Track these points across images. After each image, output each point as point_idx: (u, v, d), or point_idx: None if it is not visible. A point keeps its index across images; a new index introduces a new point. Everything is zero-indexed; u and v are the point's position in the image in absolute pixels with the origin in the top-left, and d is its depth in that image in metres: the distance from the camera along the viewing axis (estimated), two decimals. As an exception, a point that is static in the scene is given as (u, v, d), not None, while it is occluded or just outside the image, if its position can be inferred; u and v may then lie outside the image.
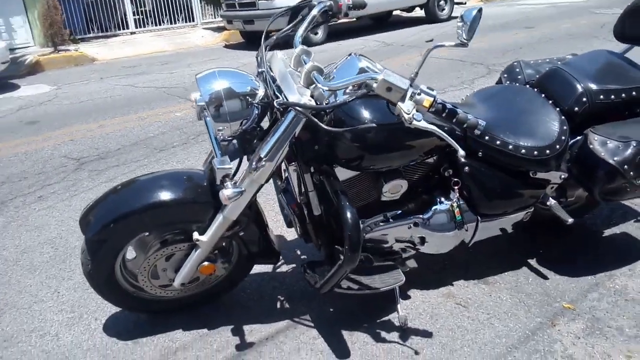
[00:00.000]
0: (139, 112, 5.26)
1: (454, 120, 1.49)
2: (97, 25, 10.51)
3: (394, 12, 11.28)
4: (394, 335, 1.98)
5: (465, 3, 11.83)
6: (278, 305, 2.20)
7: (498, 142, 1.97)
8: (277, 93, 1.68)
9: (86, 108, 5.56)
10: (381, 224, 2.00)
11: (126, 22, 10.86)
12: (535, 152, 1.97)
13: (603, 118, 2.09)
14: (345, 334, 2.00)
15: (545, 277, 2.27)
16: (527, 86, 2.26)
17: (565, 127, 2.03)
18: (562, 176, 2.12)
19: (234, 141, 1.79)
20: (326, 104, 1.66)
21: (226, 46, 9.84)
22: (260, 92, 1.71)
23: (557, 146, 1.99)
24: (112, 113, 5.31)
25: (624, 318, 2.01)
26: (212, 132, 1.71)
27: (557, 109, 2.09)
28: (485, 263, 2.40)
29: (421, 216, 2.01)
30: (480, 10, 1.49)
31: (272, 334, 2.03)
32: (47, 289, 2.40)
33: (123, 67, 8.11)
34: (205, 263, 1.89)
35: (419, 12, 10.82)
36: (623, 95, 2.05)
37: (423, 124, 1.44)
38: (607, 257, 2.39)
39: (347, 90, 1.68)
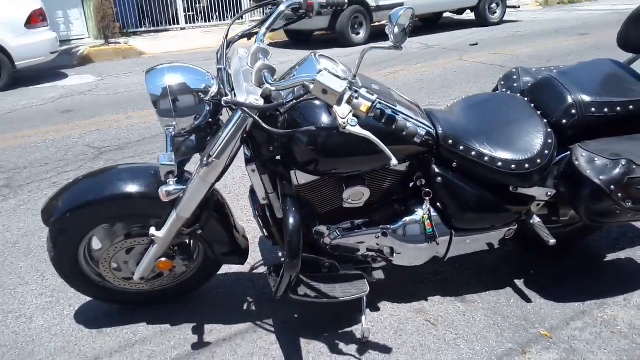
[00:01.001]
0: (167, 106, 5.38)
1: (394, 126, 1.40)
2: (150, 20, 10.88)
3: (445, 15, 11.02)
4: (352, 348, 1.91)
5: (519, 7, 11.37)
6: (245, 307, 2.17)
7: (473, 153, 1.85)
8: (228, 91, 1.65)
9: (120, 99, 5.75)
10: (347, 231, 1.93)
11: (177, 17, 11.17)
12: (513, 166, 1.84)
13: (598, 133, 1.93)
14: (304, 342, 1.95)
15: (528, 300, 2.12)
16: (519, 95, 2.11)
17: (550, 141, 1.88)
18: (549, 193, 1.98)
19: (192, 137, 1.78)
20: (281, 105, 1.63)
21: (271, 44, 9.90)
22: (214, 89, 1.68)
23: (539, 160, 1.85)
24: (142, 105, 5.45)
25: (604, 352, 1.84)
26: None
27: (545, 120, 1.94)
28: (468, 280, 2.27)
29: (390, 226, 1.93)
30: (409, 9, 1.38)
31: (231, 335, 2.00)
32: (35, 273, 2.49)
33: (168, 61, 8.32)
34: (163, 259, 1.89)
35: (470, 15, 10.50)
36: (618, 108, 1.88)
37: (357, 130, 1.37)
38: (603, 284, 2.20)
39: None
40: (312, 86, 1.39)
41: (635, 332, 1.92)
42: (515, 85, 2.21)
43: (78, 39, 9.79)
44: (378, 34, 9.40)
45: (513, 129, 1.92)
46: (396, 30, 1.36)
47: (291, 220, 1.60)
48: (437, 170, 1.89)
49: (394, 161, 1.40)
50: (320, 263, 1.99)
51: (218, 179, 1.72)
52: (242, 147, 1.79)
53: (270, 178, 1.80)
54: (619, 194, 1.78)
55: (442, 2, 9.68)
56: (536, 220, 2.01)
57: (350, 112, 1.37)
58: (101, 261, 1.93)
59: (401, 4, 9.02)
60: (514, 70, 2.28)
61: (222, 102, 1.56)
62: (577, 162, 1.83)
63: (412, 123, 1.76)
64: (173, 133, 1.68)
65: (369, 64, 7.01)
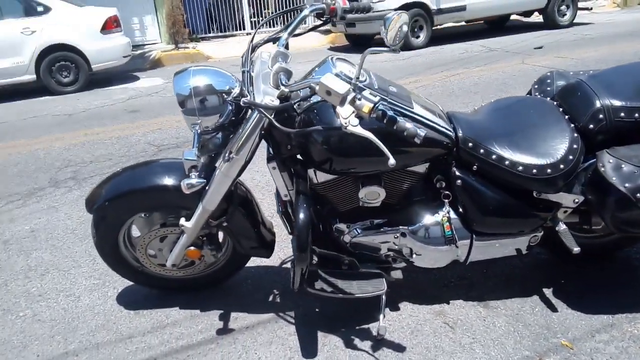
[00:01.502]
0: (224, 107, 5.63)
1: (395, 127, 1.44)
2: (217, 25, 11.35)
3: (513, 17, 10.69)
4: (366, 344, 1.95)
5: (591, 9, 10.80)
6: (270, 299, 2.27)
7: (494, 157, 1.85)
8: (248, 92, 1.75)
9: (183, 101, 6.06)
10: (367, 230, 1.97)
11: (243, 23, 11.57)
12: (535, 171, 1.82)
13: (630, 139, 1.85)
14: (321, 335, 2.01)
15: (554, 309, 2.07)
16: (548, 99, 2.07)
17: (575, 146, 1.84)
18: (576, 200, 1.92)
19: (219, 135, 1.89)
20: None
21: (331, 48, 10.06)
22: (236, 90, 1.78)
23: (562, 166, 1.81)
24: (202, 106, 5.73)
25: (628, 367, 1.77)
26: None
27: (572, 125, 1.90)
28: (494, 286, 2.25)
29: (409, 227, 1.96)
30: (402, 13, 1.41)
31: (254, 324, 2.10)
32: (87, 257, 2.72)
33: (230, 65, 8.56)
34: (192, 248, 2.03)
35: (539, 18, 10.11)
36: (650, 114, 1.80)
37: (358, 130, 1.42)
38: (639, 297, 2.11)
39: None
40: (317, 87, 1.46)
41: (666, 348, 1.83)
42: (548, 89, 2.16)
43: (152, 44, 10.40)
44: (440, 37, 9.31)
45: (537, 133, 1.89)
46: (389, 34, 1.40)
47: (301, 216, 1.68)
48: (457, 172, 1.90)
49: (392, 161, 1.44)
50: (340, 260, 2.04)
51: (239, 174, 1.83)
52: (266, 146, 1.90)
53: (290, 175, 1.88)
54: (647, 203, 1.71)
55: (508, 4, 9.39)
56: (562, 227, 1.96)
57: (353, 112, 1.43)
58: (138, 247, 2.10)
59: (463, 7, 8.89)
60: (548, 73, 2.23)
61: (241, 103, 1.66)
62: (602, 169, 1.78)
63: (430, 126, 1.79)
64: (199, 131, 1.80)
65: (425, 67, 6.99)
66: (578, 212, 2.05)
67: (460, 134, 1.87)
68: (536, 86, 2.24)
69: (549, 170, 1.81)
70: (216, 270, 2.24)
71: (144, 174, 2.02)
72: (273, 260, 2.48)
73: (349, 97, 1.42)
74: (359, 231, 1.97)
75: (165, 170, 2.01)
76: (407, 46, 8.52)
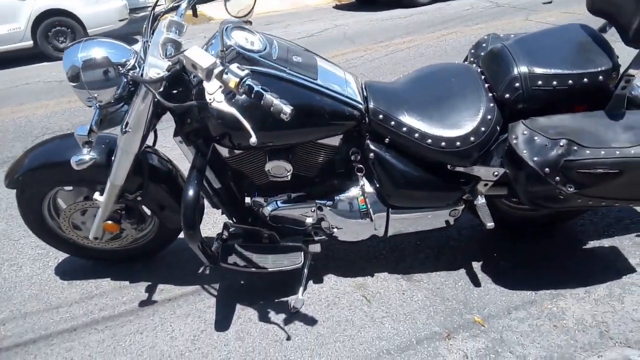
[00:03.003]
0: (211, 71, 5.55)
1: (262, 102, 1.36)
2: (223, -15, 11.12)
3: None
4: (280, 317, 1.95)
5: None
6: (200, 271, 2.27)
7: (404, 129, 1.76)
8: (138, 64, 1.69)
9: (172, 65, 6.01)
10: (285, 203, 1.94)
11: (249, -19, 11.30)
12: (443, 143, 1.73)
13: (555, 108, 1.73)
14: (239, 307, 2.02)
15: (477, 285, 2.01)
16: (474, 66, 1.95)
17: (490, 117, 1.73)
18: (496, 173, 1.83)
19: (125, 108, 1.84)
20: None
21: (337, 7, 9.73)
22: (131, 62, 1.72)
23: (472, 138, 1.72)
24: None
25: (536, 346, 1.72)
26: None
27: (490, 95, 1.79)
28: (425, 258, 2.20)
29: (325, 201, 1.91)
30: None
31: (177, 296, 2.12)
32: (39, 226, 2.77)
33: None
34: (109, 222, 2.02)
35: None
36: (570, 81, 1.66)
37: (222, 106, 1.36)
38: (569, 273, 2.03)
39: None
40: (184, 61, 1.39)
41: (581, 327, 1.76)
42: (482, 54, 2.03)
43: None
44: (446, -7, 8.89)
45: (452, 104, 1.79)
46: (229, 5, 1.31)
47: (189, 192, 1.64)
48: (370, 146, 1.82)
49: (253, 139, 1.39)
50: (260, 234, 2.02)
51: (141, 147, 1.79)
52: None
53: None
54: (557, 178, 1.61)
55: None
56: (480, 201, 1.89)
57: (220, 87, 1.37)
58: (61, 220, 2.11)
59: (472, -40, 8.41)
60: (485, 37, 2.09)
61: (128, 77, 1.61)
62: (515, 141, 1.68)
63: (334, 97, 1.71)
64: (97, 105, 1.76)
65: (425, 26, 6.73)
66: (506, 185, 1.96)
67: (371, 105, 1.79)
68: (472, 51, 2.10)
69: (458, 143, 1.72)
70: (146, 242, 2.25)
71: (60, 148, 2.00)
72: (214, 231, 2.48)
73: (216, 71, 1.35)
74: (278, 204, 1.93)
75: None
76: (411, 3, 8.20)
